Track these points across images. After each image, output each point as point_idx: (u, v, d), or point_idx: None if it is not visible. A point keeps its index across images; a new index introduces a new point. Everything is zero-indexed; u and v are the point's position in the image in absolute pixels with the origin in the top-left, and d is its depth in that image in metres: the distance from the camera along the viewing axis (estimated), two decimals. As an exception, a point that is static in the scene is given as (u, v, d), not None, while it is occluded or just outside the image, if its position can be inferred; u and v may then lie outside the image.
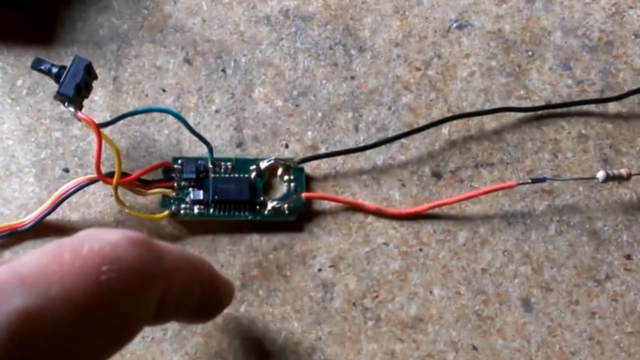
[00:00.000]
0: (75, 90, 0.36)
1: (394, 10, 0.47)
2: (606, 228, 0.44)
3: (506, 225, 0.43)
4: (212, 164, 0.41)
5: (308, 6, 0.46)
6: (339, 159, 0.43)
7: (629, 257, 0.43)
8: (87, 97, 0.37)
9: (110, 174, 0.38)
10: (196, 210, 0.41)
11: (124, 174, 0.39)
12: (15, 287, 0.19)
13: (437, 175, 0.44)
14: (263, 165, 0.42)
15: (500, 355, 0.41)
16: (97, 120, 0.36)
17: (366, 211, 0.43)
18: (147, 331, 0.39)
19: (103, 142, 0.36)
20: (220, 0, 0.46)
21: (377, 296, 0.41)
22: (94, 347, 0.21)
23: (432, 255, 0.42)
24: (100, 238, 0.21)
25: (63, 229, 0.39)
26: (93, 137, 0.36)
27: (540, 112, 0.46)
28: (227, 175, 0.41)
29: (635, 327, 0.42)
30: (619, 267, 0.43)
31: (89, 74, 0.36)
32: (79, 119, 0.36)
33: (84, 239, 0.21)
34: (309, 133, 0.44)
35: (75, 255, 0.20)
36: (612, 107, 0.46)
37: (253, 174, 0.42)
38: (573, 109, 0.46)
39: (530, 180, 0.43)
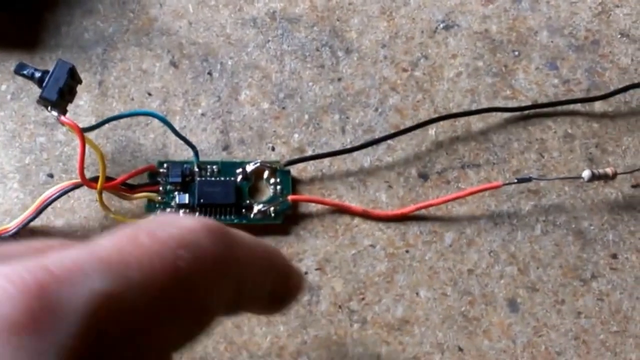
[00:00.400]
0: (59, 94, 0.35)
1: (380, 11, 0.46)
2: (592, 227, 0.43)
3: (492, 225, 0.43)
4: (198, 167, 0.41)
5: (295, 8, 0.46)
6: (326, 161, 0.43)
7: (614, 256, 0.43)
8: (71, 101, 0.37)
9: (95, 179, 0.38)
10: (182, 214, 0.40)
11: (108, 179, 0.38)
12: (94, 268, 0.18)
13: (423, 176, 0.43)
14: (249, 168, 0.41)
15: (486, 356, 0.40)
16: (81, 125, 0.36)
17: (353, 213, 0.42)
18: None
19: (87, 146, 0.36)
20: (207, 3, 0.45)
21: (363, 298, 0.40)
22: (168, 335, 0.20)
23: (418, 256, 0.42)
24: (176, 223, 0.21)
25: (48, 235, 0.39)
26: (78, 142, 0.36)
27: (526, 112, 0.45)
28: (213, 179, 0.41)
29: (621, 327, 0.41)
30: (604, 266, 0.42)
31: (73, 78, 0.36)
32: (63, 124, 0.36)
33: (161, 223, 0.20)
34: (296, 135, 0.43)
35: (153, 238, 0.19)
36: (598, 106, 0.45)
37: (239, 177, 0.41)
38: (559, 108, 0.45)
39: (516, 180, 0.42)
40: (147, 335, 0.19)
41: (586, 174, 0.42)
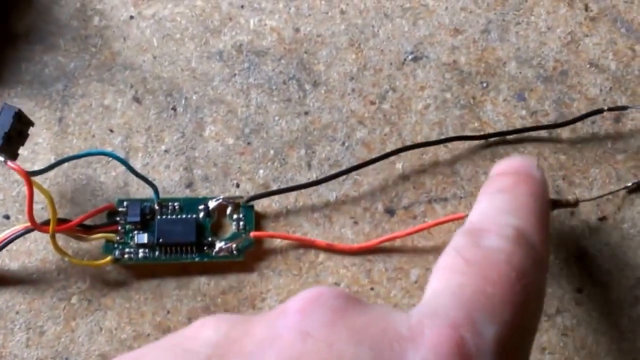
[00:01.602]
0: (4, 139, 0.33)
1: (349, 43, 0.44)
2: (557, 261, 0.41)
3: (458, 262, 0.40)
4: (159, 205, 0.39)
5: (262, 40, 0.43)
6: (291, 197, 0.40)
7: (579, 290, 0.41)
8: (22, 144, 0.34)
9: (47, 222, 0.35)
10: (141, 254, 0.38)
11: (63, 220, 0.36)
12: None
13: (390, 211, 0.41)
14: (211, 204, 0.39)
15: (450, 396, 0.38)
16: (38, 164, 0.34)
17: (317, 247, 0.40)
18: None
19: (36, 190, 0.33)
20: (172, 36, 0.43)
21: (327, 339, 0.38)
22: None
23: (383, 294, 0.39)
24: None
25: (2, 279, 0.36)
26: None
27: (494, 143, 0.43)
28: (173, 217, 0.39)
29: (586, 364, 0.39)
30: (569, 300, 0.41)
31: (20, 121, 0.34)
32: (10, 168, 0.33)
33: None
34: (261, 171, 0.41)
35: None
36: (565, 137, 0.43)
37: (201, 214, 0.39)
38: (527, 140, 0.43)
39: (481, 212, 0.40)
40: None
41: (548, 201, 0.40)
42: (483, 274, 0.26)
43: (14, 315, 0.37)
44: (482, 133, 0.43)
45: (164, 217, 0.39)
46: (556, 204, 0.40)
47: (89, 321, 0.38)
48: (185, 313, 0.38)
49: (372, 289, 0.40)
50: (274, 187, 0.41)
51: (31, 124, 0.35)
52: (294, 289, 0.39)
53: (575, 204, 0.41)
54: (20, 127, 0.34)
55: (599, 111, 0.43)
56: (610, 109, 0.43)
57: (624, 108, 0.44)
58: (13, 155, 0.34)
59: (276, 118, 0.42)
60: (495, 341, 0.19)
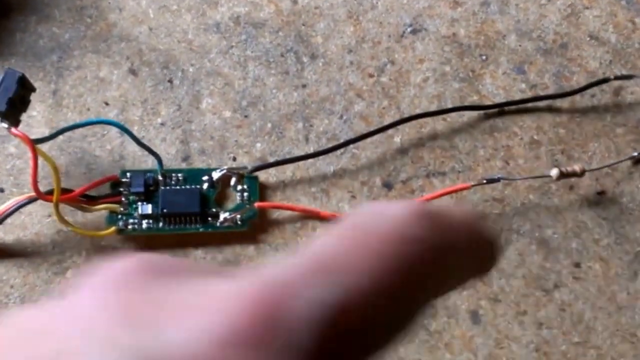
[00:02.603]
0: (8, 104, 0.31)
1: (347, 15, 0.42)
2: (555, 236, 0.40)
3: (456, 236, 0.39)
4: (162, 176, 0.37)
5: (259, 12, 0.42)
6: (288, 171, 0.39)
7: (577, 265, 0.39)
8: (24, 111, 0.33)
9: (50, 192, 0.34)
10: (145, 225, 0.37)
11: (65, 191, 0.34)
12: (318, 279, 0.15)
13: (387, 185, 0.40)
14: (216, 175, 0.38)
15: (447, 370, 0.37)
16: (33, 137, 0.32)
17: (321, 219, 0.39)
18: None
19: (40, 159, 0.32)
20: (168, 8, 0.41)
21: (324, 312, 0.37)
22: (398, 331, 0.17)
23: (381, 268, 0.38)
24: (385, 215, 0.18)
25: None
26: (30, 154, 0.32)
27: (492, 117, 0.41)
28: (177, 187, 0.37)
29: (583, 337, 0.38)
30: (567, 275, 0.39)
31: (24, 87, 0.32)
32: (14, 136, 0.32)
33: (369, 217, 0.18)
34: (258, 145, 0.39)
35: (370, 237, 0.17)
36: (564, 110, 0.42)
37: (205, 185, 0.38)
38: (526, 113, 0.41)
39: (485, 181, 0.39)
40: (380, 339, 0.16)
41: (554, 172, 0.39)
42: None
43: (8, 289, 0.36)
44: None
45: (167, 187, 0.37)
46: (563, 174, 0.39)
47: (86, 294, 0.36)
48: (182, 287, 0.37)
49: (369, 263, 0.38)
50: (271, 161, 0.39)
51: (33, 89, 0.33)
52: (291, 263, 0.38)
53: (582, 173, 0.39)
54: (23, 92, 0.32)
55: (606, 80, 0.42)
56: (617, 78, 0.42)
57: (630, 77, 0.42)
58: (16, 122, 0.32)
59: (274, 91, 0.40)
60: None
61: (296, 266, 0.15)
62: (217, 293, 0.15)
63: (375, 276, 0.16)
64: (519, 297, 0.39)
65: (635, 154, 0.41)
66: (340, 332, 0.15)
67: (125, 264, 0.16)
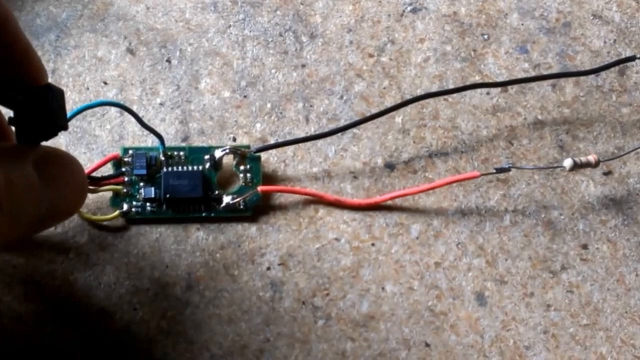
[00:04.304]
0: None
1: (346, -6, 0.41)
2: (562, 217, 0.38)
3: (460, 216, 0.38)
4: (164, 155, 0.36)
5: (257, -9, 0.40)
6: (289, 151, 0.38)
7: (585, 246, 0.38)
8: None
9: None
10: (148, 209, 0.35)
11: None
12: None
13: (390, 166, 0.38)
14: (218, 154, 0.36)
15: (453, 352, 0.35)
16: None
17: (325, 202, 0.37)
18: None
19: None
20: (165, -13, 0.39)
21: (327, 294, 0.36)
22: None
23: (384, 250, 0.37)
24: None
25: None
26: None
27: (495, 98, 0.40)
28: (179, 169, 0.36)
29: (591, 319, 0.37)
30: (574, 257, 0.38)
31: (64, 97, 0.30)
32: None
33: None
34: (258, 125, 0.38)
35: None
36: (569, 90, 0.40)
37: (207, 165, 0.36)
38: (530, 93, 0.40)
39: (494, 171, 0.37)
40: None
41: (567, 163, 0.37)
42: None
43: (11, 269, 0.34)
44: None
45: (169, 169, 0.36)
46: (577, 164, 0.37)
47: (87, 276, 0.35)
48: (184, 268, 0.35)
49: (373, 244, 0.37)
50: (271, 141, 0.38)
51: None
52: (293, 244, 0.36)
53: (597, 164, 0.37)
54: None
55: (631, 58, 0.40)
56: (637, 58, 0.40)
57: None
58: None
59: (273, 71, 0.39)
60: None
61: None
62: None
63: None
64: (526, 278, 0.37)
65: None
66: None
67: None
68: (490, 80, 0.40)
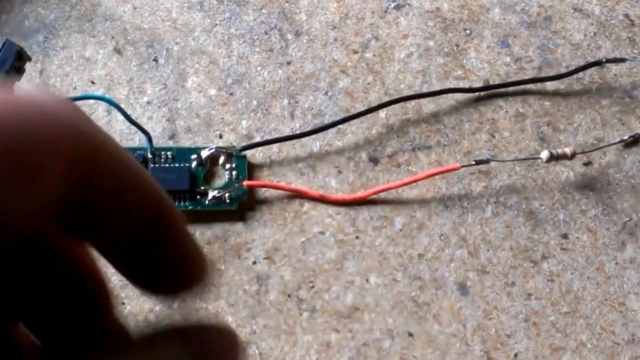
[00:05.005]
0: (5, 74, 0.30)
1: (330, -9, 0.41)
2: (543, 208, 0.38)
3: (443, 208, 0.38)
4: (152, 154, 0.36)
5: (242, -10, 0.40)
6: (275, 147, 0.38)
7: (565, 236, 0.38)
8: (19, 80, 0.32)
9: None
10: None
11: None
12: None
13: (373, 160, 0.38)
14: (204, 154, 0.36)
15: (436, 341, 0.36)
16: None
17: (309, 198, 0.37)
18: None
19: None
20: (151, -13, 0.40)
21: (312, 287, 0.36)
22: None
23: (368, 242, 0.37)
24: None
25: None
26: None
27: (477, 92, 0.40)
28: (167, 165, 0.36)
29: (572, 307, 0.37)
30: (555, 246, 0.38)
31: (20, 59, 0.31)
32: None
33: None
34: (244, 122, 0.38)
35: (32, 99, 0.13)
36: (550, 84, 0.40)
37: (194, 163, 0.36)
38: (511, 87, 0.40)
39: (474, 162, 0.37)
40: None
41: (544, 154, 0.37)
42: None
43: None
44: (465, 80, 0.40)
45: (157, 165, 0.36)
46: (553, 156, 0.37)
47: (75, 273, 0.35)
48: (169, 263, 0.35)
49: (357, 237, 0.37)
50: (257, 138, 0.38)
51: (29, 59, 0.32)
52: (279, 238, 0.36)
53: (572, 156, 0.38)
54: (19, 64, 0.31)
55: (598, 63, 0.40)
56: (608, 61, 0.40)
57: (622, 60, 0.40)
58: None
59: (258, 68, 0.39)
60: None
61: None
62: None
63: None
64: (507, 268, 0.37)
65: (626, 137, 0.39)
66: None
67: None
68: (473, 75, 0.40)
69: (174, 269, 0.17)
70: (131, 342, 0.16)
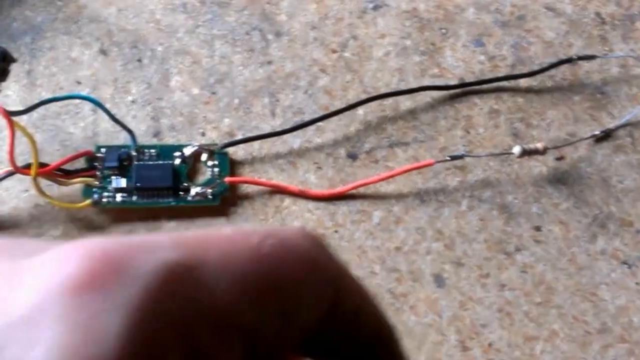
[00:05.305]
0: None
1: (310, -8, 0.42)
2: (516, 201, 0.39)
3: (420, 203, 0.39)
4: (136, 151, 0.37)
5: (224, -8, 0.41)
6: (256, 144, 0.39)
7: (538, 228, 0.39)
8: (4, 80, 0.32)
9: (27, 166, 0.33)
10: (119, 198, 0.36)
11: (42, 165, 0.34)
12: (166, 243, 0.14)
13: (352, 156, 0.39)
14: (187, 151, 0.37)
15: (412, 332, 0.37)
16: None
17: (290, 193, 0.38)
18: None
19: (17, 134, 0.31)
20: (136, -11, 0.40)
21: (292, 278, 0.37)
22: (246, 330, 0.15)
23: (347, 236, 0.38)
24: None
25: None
26: (7, 130, 0.31)
27: (454, 90, 0.41)
28: (150, 163, 0.37)
29: (544, 298, 0.38)
30: (528, 239, 0.39)
31: (4, 60, 0.32)
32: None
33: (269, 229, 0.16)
34: (226, 120, 0.39)
35: (237, 230, 0.15)
36: (523, 81, 0.41)
37: (177, 161, 0.37)
38: (486, 84, 0.41)
39: (448, 158, 0.38)
40: (225, 317, 0.14)
41: (517, 149, 0.38)
42: None
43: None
44: (441, 78, 0.41)
45: (141, 162, 0.37)
46: (525, 151, 0.38)
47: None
48: (152, 257, 0.36)
49: (336, 231, 0.38)
50: (239, 135, 0.39)
51: (13, 60, 0.33)
52: (259, 232, 0.37)
53: (544, 151, 0.39)
54: (3, 65, 0.32)
55: (569, 60, 0.41)
56: (579, 58, 0.41)
57: (591, 57, 0.41)
58: None
59: (240, 68, 0.40)
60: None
61: (146, 235, 0.14)
62: (55, 251, 0.13)
63: (224, 252, 0.15)
64: (482, 260, 0.38)
65: (597, 132, 0.40)
66: (179, 289, 0.14)
67: None
68: (448, 73, 0.41)
69: None
70: None
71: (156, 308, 0.13)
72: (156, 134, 0.38)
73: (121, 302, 0.13)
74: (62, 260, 0.13)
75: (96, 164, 0.37)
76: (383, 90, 0.40)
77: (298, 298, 0.15)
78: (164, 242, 0.14)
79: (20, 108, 0.37)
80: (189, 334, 0.13)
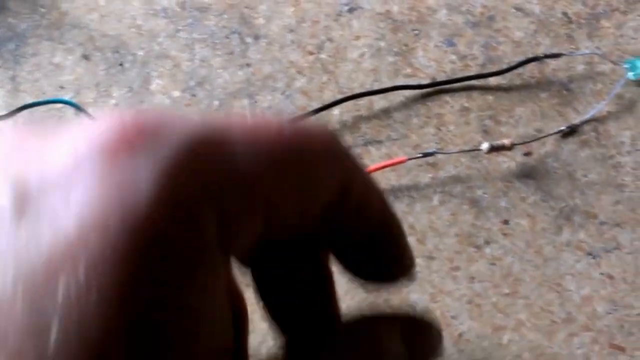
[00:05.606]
0: None
1: (286, -4, 0.43)
2: (485, 195, 0.41)
3: (393, 199, 0.40)
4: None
5: (203, -4, 0.42)
6: (234, 144, 0.40)
7: (506, 222, 0.40)
8: None
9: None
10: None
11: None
12: (197, 119, 0.15)
13: (328, 155, 0.40)
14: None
15: (385, 322, 0.38)
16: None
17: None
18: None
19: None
20: (117, -5, 0.41)
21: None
22: (276, 204, 0.16)
23: (323, 231, 0.39)
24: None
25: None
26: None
27: (426, 89, 0.42)
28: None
29: (512, 289, 0.39)
30: (497, 232, 0.40)
31: None
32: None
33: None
34: (205, 121, 0.40)
35: (261, 117, 0.17)
36: (493, 80, 0.42)
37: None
38: (457, 83, 0.42)
39: (420, 155, 0.39)
40: (250, 191, 0.15)
41: (485, 146, 0.39)
42: None
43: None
44: (414, 78, 0.42)
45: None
46: (493, 147, 0.40)
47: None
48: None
49: (312, 226, 0.39)
50: (219, 136, 0.40)
51: None
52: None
53: (511, 147, 0.40)
54: None
55: (536, 59, 0.42)
56: (546, 56, 0.42)
57: (558, 55, 0.42)
58: None
59: (219, 70, 0.41)
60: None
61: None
62: (87, 121, 0.14)
63: (248, 129, 0.15)
64: (452, 254, 0.40)
65: (563, 127, 0.42)
66: (206, 160, 0.14)
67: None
68: (421, 72, 0.42)
69: (391, 263, 0.21)
70: (355, 339, 0.19)
71: (186, 169, 0.14)
72: (138, 136, 0.39)
73: (153, 163, 0.13)
74: (96, 126, 0.14)
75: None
76: (358, 91, 0.41)
77: (314, 176, 0.17)
78: (192, 117, 0.15)
79: (4, 113, 0.38)
80: (218, 197, 0.14)
